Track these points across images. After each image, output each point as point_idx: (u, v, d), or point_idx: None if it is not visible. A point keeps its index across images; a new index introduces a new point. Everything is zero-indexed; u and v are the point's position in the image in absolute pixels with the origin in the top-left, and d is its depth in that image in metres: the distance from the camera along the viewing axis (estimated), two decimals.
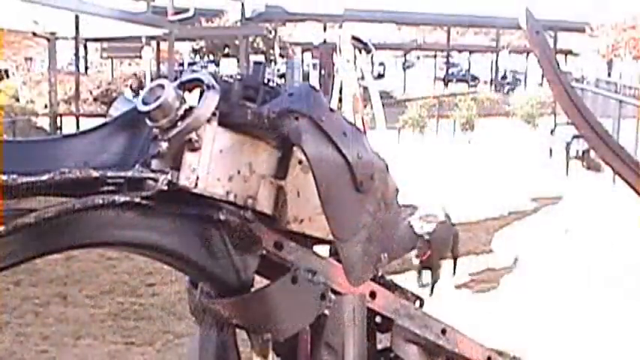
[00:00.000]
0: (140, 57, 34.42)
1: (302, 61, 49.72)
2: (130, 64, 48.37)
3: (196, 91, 2.16)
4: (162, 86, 2.09)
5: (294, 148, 2.26)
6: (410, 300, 2.72)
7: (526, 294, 10.69)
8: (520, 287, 11.05)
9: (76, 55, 30.10)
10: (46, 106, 28.61)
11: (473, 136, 31.33)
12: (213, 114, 2.12)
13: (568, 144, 22.46)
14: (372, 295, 2.55)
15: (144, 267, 12.06)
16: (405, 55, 61.17)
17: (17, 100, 33.41)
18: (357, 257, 2.28)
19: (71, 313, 10.26)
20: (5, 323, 9.92)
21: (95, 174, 2.00)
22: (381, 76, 55.36)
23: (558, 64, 3.31)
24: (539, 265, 12.18)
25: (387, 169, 2.34)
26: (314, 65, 46.85)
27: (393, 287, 2.67)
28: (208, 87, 2.13)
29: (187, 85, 2.17)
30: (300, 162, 2.29)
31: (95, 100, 35.57)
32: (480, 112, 33.88)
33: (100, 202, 2.00)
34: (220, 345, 2.38)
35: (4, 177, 1.91)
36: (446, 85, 55.07)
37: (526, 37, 3.44)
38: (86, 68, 44.23)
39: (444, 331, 2.76)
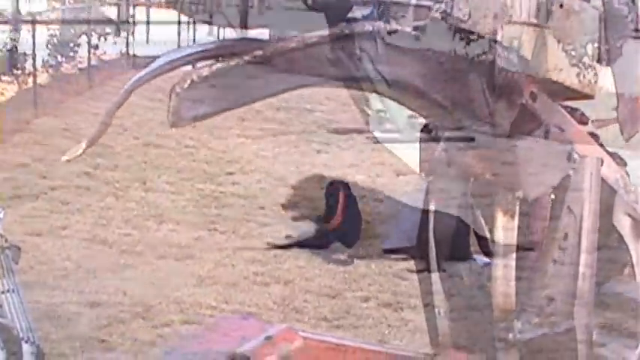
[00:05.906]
0: None
1: None
2: None
3: None
4: None
5: None
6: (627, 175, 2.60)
7: None
8: None
9: None
10: None
11: None
12: None
13: None
14: (601, 162, 2.41)
15: (222, 156, 12.01)
16: None
17: None
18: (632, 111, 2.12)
19: (152, 198, 10.22)
20: (86, 205, 9.92)
21: None
22: None
23: None
24: None
25: None
26: None
27: (617, 159, 2.53)
28: None
29: None
30: (561, 5, 2.11)
31: None
32: None
33: (370, 28, 1.84)
34: (461, 196, 2.25)
35: None
36: None
37: None
38: None
39: None
